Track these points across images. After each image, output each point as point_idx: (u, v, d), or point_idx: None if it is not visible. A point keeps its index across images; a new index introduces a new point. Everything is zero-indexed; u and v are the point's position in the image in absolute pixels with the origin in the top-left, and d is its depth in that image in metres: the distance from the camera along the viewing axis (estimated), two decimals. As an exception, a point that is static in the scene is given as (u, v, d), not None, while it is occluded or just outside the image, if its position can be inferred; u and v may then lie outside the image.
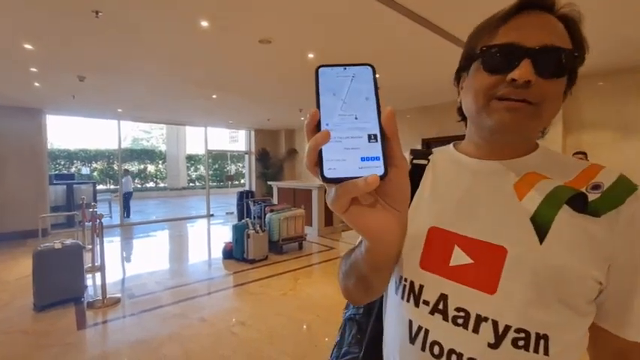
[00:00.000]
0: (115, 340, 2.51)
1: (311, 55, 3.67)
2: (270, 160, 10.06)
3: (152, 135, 21.12)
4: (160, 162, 18.28)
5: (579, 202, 0.45)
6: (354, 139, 0.29)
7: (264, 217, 4.97)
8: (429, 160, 0.61)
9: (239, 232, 4.43)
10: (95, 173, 15.72)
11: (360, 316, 0.69)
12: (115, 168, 15.85)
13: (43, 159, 6.47)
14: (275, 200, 6.82)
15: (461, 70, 0.55)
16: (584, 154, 3.97)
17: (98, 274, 3.48)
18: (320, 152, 0.28)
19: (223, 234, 6.54)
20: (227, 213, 9.53)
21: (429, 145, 6.49)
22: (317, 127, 0.29)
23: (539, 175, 0.49)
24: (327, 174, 0.28)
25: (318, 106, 0.30)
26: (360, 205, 0.32)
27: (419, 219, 0.54)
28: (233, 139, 19.20)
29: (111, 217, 9.22)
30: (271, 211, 5.01)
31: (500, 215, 0.48)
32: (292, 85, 4.95)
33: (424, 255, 0.51)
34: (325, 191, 0.32)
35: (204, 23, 2.83)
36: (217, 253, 4.80)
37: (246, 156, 10.43)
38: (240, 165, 18.96)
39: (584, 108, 4.46)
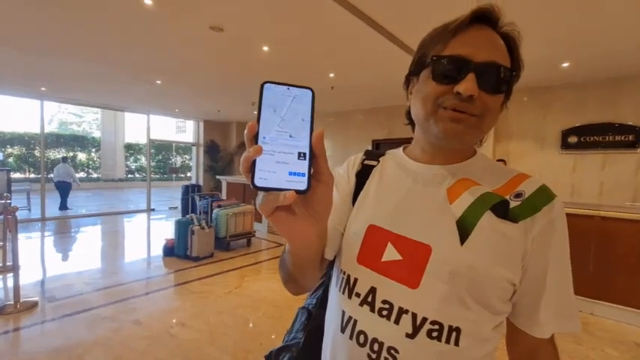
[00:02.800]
0: (28, 349, 2.21)
1: (265, 48, 3.59)
2: (220, 153, 9.67)
3: (84, 119, 18.99)
4: (94, 150, 16.50)
5: (501, 209, 0.49)
6: (285, 155, 0.33)
7: (211, 213, 4.76)
8: (378, 162, 0.64)
9: (182, 227, 4.18)
10: (11, 159, 13.66)
11: (312, 306, 0.71)
12: (37, 154, 13.97)
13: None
14: (224, 195, 6.57)
15: (411, 75, 0.57)
16: (504, 161, 4.49)
17: (11, 276, 3.04)
18: (254, 162, 0.32)
19: (165, 230, 6.13)
20: (170, 208, 8.95)
21: (378, 146, 6.76)
22: (255, 137, 0.32)
23: (471, 181, 0.53)
24: (257, 182, 0.32)
25: (259, 120, 0.33)
26: (284, 212, 0.35)
27: (361, 217, 0.57)
28: (180, 130, 18.06)
29: (30, 210, 8.13)
30: (219, 206, 4.82)
31: (430, 217, 0.52)
32: (245, 76, 4.80)
33: (361, 250, 0.55)
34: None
35: (148, 1, 2.60)
36: (157, 251, 4.48)
37: (194, 148, 9.89)
38: (187, 157, 17.94)
39: (511, 120, 5.00)
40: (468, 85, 0.46)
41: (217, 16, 2.86)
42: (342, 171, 0.67)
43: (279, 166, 0.32)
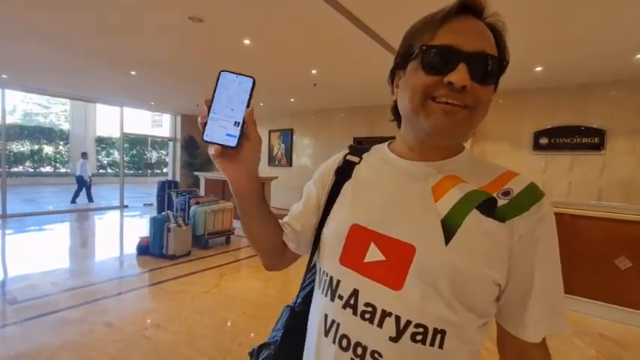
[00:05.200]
0: (-14, 356, 2.05)
1: (247, 42, 3.50)
2: (199, 149, 9.40)
3: (51, 110, 17.91)
4: (62, 143, 15.61)
5: (488, 207, 0.47)
6: (226, 122, 0.48)
7: (189, 210, 4.62)
8: (361, 158, 0.62)
9: (158, 225, 4.03)
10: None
11: (297, 305, 0.70)
12: (-2, 147, 13.06)
13: None
14: (202, 192, 6.40)
15: (396, 68, 0.55)
16: None
17: (-35, 277, 2.81)
18: (205, 124, 0.48)
19: (139, 228, 5.90)
20: (145, 205, 8.63)
21: (360, 144, 6.80)
22: (209, 108, 0.49)
23: (458, 178, 0.51)
24: (204, 137, 0.48)
25: (213, 96, 0.49)
26: (225, 159, 0.51)
27: (343, 215, 0.56)
28: (156, 124, 17.42)
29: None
30: (197, 203, 4.68)
31: (415, 216, 0.50)
32: (225, 69, 4.66)
33: (344, 251, 0.53)
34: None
35: (123, -14, 2.46)
36: (131, 249, 4.30)
37: (171, 143, 9.57)
38: (163, 152, 17.35)
39: (488, 121, 5.16)
40: (459, 76, 0.45)
41: (197, 5, 2.75)
42: (318, 175, 0.66)
43: (220, 129, 0.48)
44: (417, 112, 0.49)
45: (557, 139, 4.68)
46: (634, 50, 3.30)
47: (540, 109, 4.81)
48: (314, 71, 4.49)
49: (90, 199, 9.11)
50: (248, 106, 0.49)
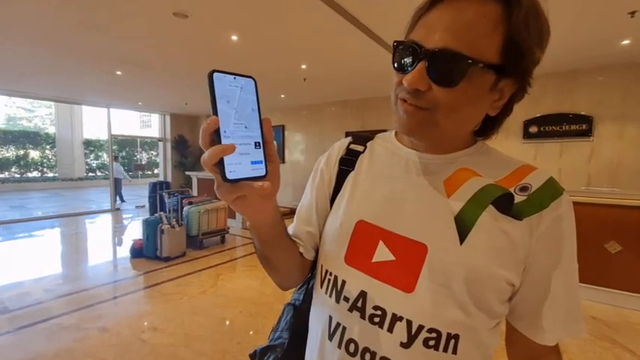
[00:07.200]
0: (-22, 367, 2.01)
1: (234, 38, 3.44)
2: (189, 148, 9.30)
3: (35, 114, 17.48)
4: (48, 147, 15.28)
5: (505, 203, 0.44)
6: (245, 146, 0.35)
7: (182, 211, 4.57)
8: (365, 147, 0.58)
9: (151, 227, 3.98)
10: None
11: (300, 303, 0.66)
12: (-18, 153, 12.74)
13: None
14: (194, 192, 6.33)
15: None
16: None
17: (-47, 287, 2.74)
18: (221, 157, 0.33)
19: (132, 230, 5.82)
20: (137, 207, 8.52)
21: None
22: (216, 132, 0.33)
23: (471, 171, 0.48)
24: (229, 176, 0.34)
25: (216, 113, 0.33)
26: (245, 197, 0.37)
27: (348, 210, 0.52)
28: (145, 124, 17.16)
29: (-25, 214, 7.42)
30: (190, 203, 4.63)
31: (426, 212, 0.47)
32: (214, 67, 4.57)
33: (349, 249, 0.50)
34: (215, 184, 0.36)
35: (103, -17, 2.39)
36: (124, 253, 4.24)
37: (160, 143, 9.43)
38: (154, 153, 17.13)
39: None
40: (410, 77, 0.41)
41: (182, 0, 2.69)
42: (323, 165, 0.60)
43: (242, 158, 0.34)
44: (394, 107, 0.47)
45: (547, 127, 4.72)
46: (620, 36, 3.33)
47: (529, 97, 4.74)
48: (303, 66, 4.45)
49: (121, 198, 9.20)
50: (261, 118, 0.37)
